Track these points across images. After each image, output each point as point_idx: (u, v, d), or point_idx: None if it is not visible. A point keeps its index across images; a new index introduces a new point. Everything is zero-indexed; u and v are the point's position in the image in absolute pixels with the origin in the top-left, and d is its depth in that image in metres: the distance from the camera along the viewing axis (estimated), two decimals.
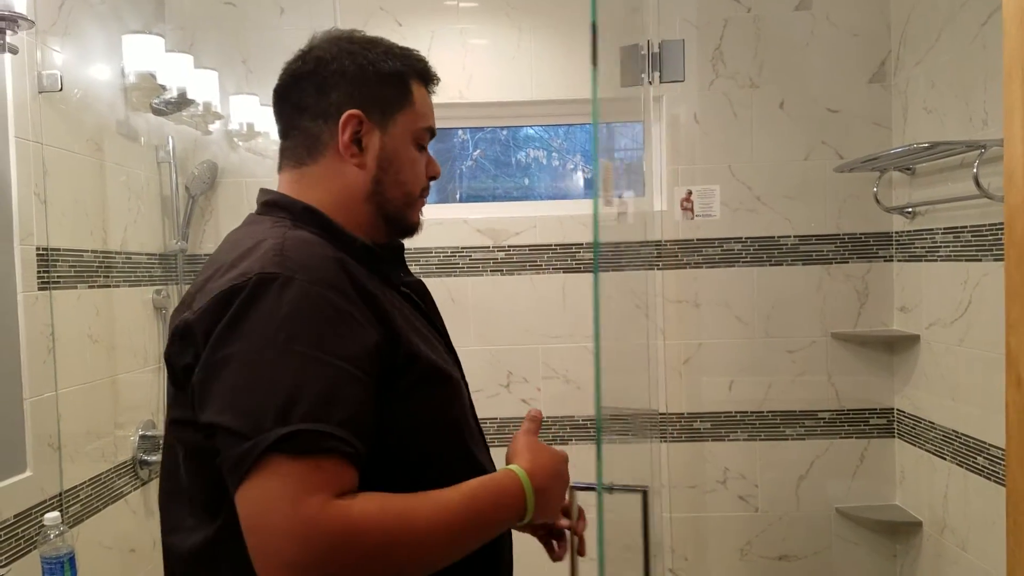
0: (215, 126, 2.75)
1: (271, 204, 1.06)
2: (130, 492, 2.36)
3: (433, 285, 2.87)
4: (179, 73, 2.43)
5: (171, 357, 0.91)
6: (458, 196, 3.07)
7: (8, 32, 1.71)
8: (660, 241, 2.85)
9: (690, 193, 2.83)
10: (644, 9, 2.53)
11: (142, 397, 2.49)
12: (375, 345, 0.90)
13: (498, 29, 2.86)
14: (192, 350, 0.87)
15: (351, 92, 1.04)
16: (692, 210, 2.82)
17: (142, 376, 2.49)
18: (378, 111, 1.05)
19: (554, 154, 3.18)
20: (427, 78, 1.11)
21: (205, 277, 0.94)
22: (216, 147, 2.82)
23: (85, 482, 2.12)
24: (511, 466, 1.00)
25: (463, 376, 1.13)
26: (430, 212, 3.22)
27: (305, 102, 1.05)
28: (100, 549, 2.18)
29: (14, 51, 1.76)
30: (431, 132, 1.11)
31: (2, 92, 1.84)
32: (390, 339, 0.93)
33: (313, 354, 0.83)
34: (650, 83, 2.11)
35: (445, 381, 1.02)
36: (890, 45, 2.80)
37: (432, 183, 1.16)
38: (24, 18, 1.73)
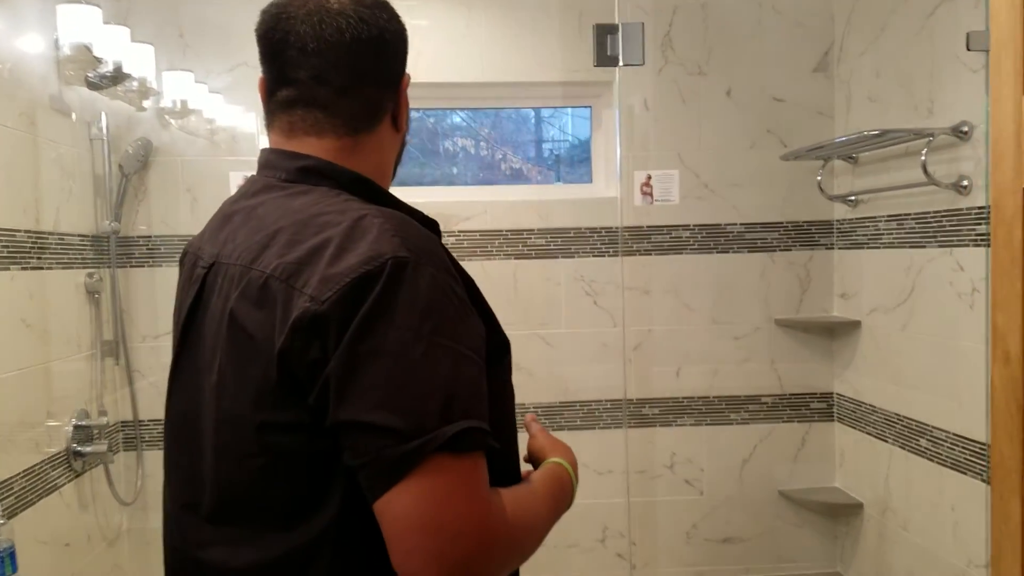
0: (149, 102, 2.64)
1: (313, 171, 0.94)
2: (64, 484, 2.24)
3: None
4: (115, 46, 2.32)
5: (291, 354, 0.80)
6: None
7: None
8: (613, 228, 2.85)
9: (649, 178, 2.83)
10: None
11: (75, 385, 2.36)
12: (484, 334, 0.88)
13: (446, 8, 2.81)
14: (319, 343, 0.79)
15: (403, 58, 1.02)
16: (652, 195, 2.83)
17: (76, 363, 2.37)
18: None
19: (482, 143, 3.13)
20: None
21: (294, 260, 0.83)
22: (150, 124, 2.69)
23: (18, 474, 2.00)
24: (557, 460, 1.05)
25: None
26: None
27: (364, 66, 0.96)
28: (35, 543, 2.06)
29: None
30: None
31: None
32: (489, 327, 0.91)
33: (455, 347, 0.81)
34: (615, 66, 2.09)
35: (510, 364, 1.01)
36: (834, 35, 2.86)
37: None
38: None
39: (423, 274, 0.81)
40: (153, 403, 2.70)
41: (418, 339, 0.78)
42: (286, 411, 0.83)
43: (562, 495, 1.00)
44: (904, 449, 2.48)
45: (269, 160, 0.98)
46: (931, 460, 2.34)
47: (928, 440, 2.35)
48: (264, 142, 1.03)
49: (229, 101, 2.73)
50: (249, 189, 0.98)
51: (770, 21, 2.86)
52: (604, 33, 2.07)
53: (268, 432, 0.84)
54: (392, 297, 0.79)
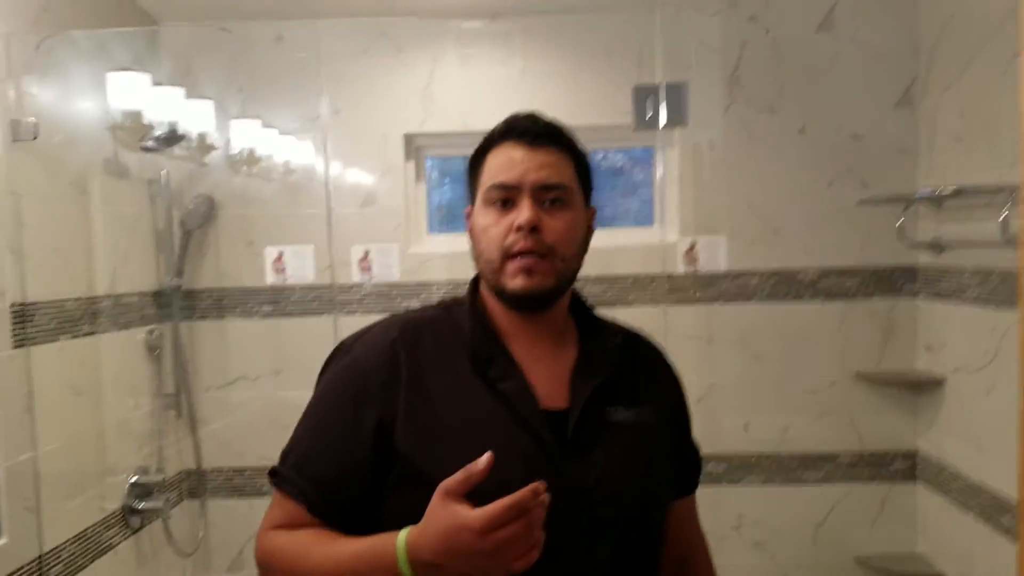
0: (212, 156, 2.66)
1: None
2: (120, 543, 2.30)
3: None
4: (169, 107, 2.35)
5: None
6: None
7: None
8: (674, 274, 2.72)
9: (693, 246, 2.69)
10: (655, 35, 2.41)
11: (133, 443, 2.42)
12: (375, 424, 1.05)
13: (498, 52, 2.76)
14: None
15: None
16: (696, 263, 2.69)
17: (134, 421, 2.42)
18: None
19: None
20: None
21: None
22: (214, 177, 2.73)
23: (69, 540, 2.05)
24: (402, 532, 0.95)
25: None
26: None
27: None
28: None
29: None
30: None
31: None
32: (388, 427, 1.05)
33: (317, 418, 1.11)
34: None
35: (426, 484, 0.93)
36: (917, 70, 2.65)
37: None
38: None
39: (340, 360, 1.13)
40: (216, 453, 2.75)
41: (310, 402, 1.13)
42: None
43: (371, 569, 0.96)
44: (988, 524, 2.27)
45: None
46: (1013, 542, 2.13)
47: (1012, 518, 2.14)
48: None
49: (300, 141, 2.76)
50: None
51: (847, 54, 2.68)
52: (643, 96, 1.96)
53: None
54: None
